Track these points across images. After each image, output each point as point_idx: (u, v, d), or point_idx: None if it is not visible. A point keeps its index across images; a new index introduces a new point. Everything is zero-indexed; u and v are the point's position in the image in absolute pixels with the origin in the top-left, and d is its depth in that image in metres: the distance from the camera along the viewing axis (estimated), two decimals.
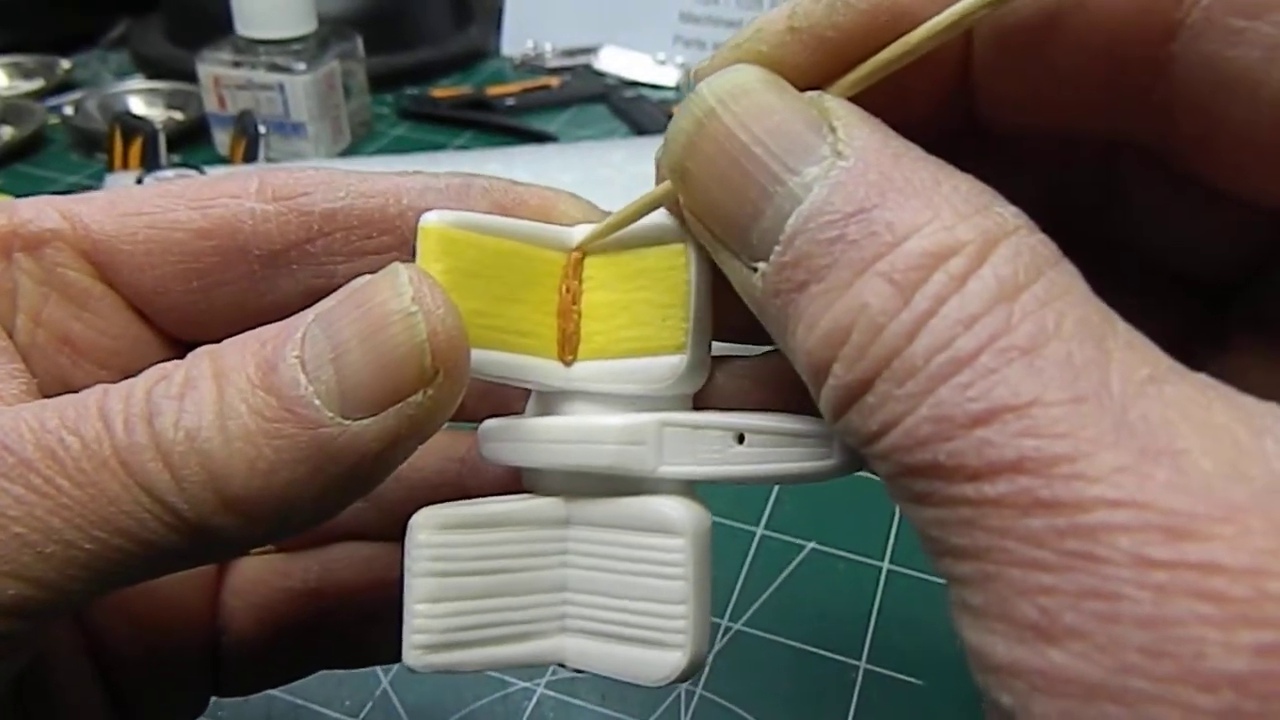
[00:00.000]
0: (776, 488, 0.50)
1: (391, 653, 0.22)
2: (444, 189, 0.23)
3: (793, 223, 0.17)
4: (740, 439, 0.22)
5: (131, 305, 0.24)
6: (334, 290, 0.20)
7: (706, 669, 0.41)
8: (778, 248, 0.17)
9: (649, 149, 0.22)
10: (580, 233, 0.23)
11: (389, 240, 0.23)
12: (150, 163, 0.73)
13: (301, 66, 0.77)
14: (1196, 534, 0.13)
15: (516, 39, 1.01)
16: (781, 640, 0.43)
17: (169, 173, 0.72)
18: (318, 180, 0.23)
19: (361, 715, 0.40)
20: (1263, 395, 0.14)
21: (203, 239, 0.23)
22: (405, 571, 0.22)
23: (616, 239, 0.22)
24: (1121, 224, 0.22)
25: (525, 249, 0.22)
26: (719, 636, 0.43)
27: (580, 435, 0.22)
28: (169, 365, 0.19)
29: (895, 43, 0.18)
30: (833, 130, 0.17)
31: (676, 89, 0.94)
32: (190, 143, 0.82)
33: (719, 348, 0.23)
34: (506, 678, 0.41)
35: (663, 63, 0.97)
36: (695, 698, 0.40)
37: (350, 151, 0.83)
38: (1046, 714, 0.14)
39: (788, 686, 0.41)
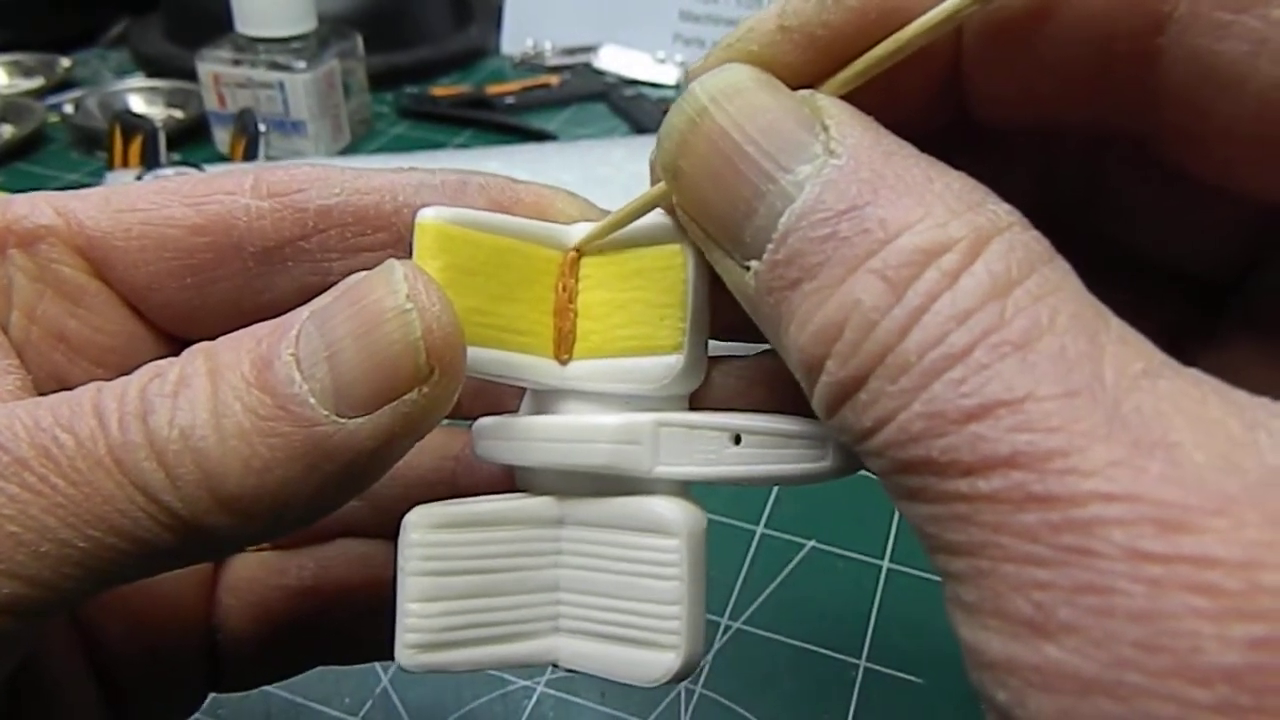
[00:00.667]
0: (777, 486, 0.50)
1: (387, 650, 0.22)
2: (440, 186, 0.23)
3: (785, 221, 0.17)
4: (736, 440, 0.22)
5: (126, 302, 0.24)
6: (329, 287, 0.20)
7: (706, 667, 0.41)
8: (770, 246, 0.17)
9: (649, 147, 0.21)
10: (578, 231, 0.23)
11: (384, 237, 0.23)
12: (150, 161, 0.73)
13: (301, 65, 0.77)
14: (1190, 527, 0.13)
15: (516, 37, 1.01)
16: (782, 639, 0.43)
17: (169, 171, 0.72)
18: (313, 177, 0.23)
19: (361, 713, 0.40)
20: (1256, 390, 0.14)
21: (197, 235, 0.23)
22: (398, 570, 0.22)
23: (613, 238, 0.22)
24: (1112, 220, 0.22)
25: (522, 247, 0.22)
26: (719, 635, 0.43)
27: (576, 434, 0.22)
28: (164, 363, 0.19)
29: (886, 40, 0.18)
30: (825, 129, 0.17)
31: (676, 87, 0.94)
32: (190, 141, 0.83)
33: (715, 348, 0.23)
34: (506, 676, 0.41)
35: (662, 61, 0.97)
36: (695, 696, 0.40)
37: (350, 150, 0.83)
38: (1041, 710, 0.14)
39: (788, 685, 0.41)
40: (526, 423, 0.23)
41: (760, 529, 0.48)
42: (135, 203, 0.23)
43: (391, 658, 0.22)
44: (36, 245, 0.23)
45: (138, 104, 0.88)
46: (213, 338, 0.20)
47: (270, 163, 0.72)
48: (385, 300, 0.19)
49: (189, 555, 0.20)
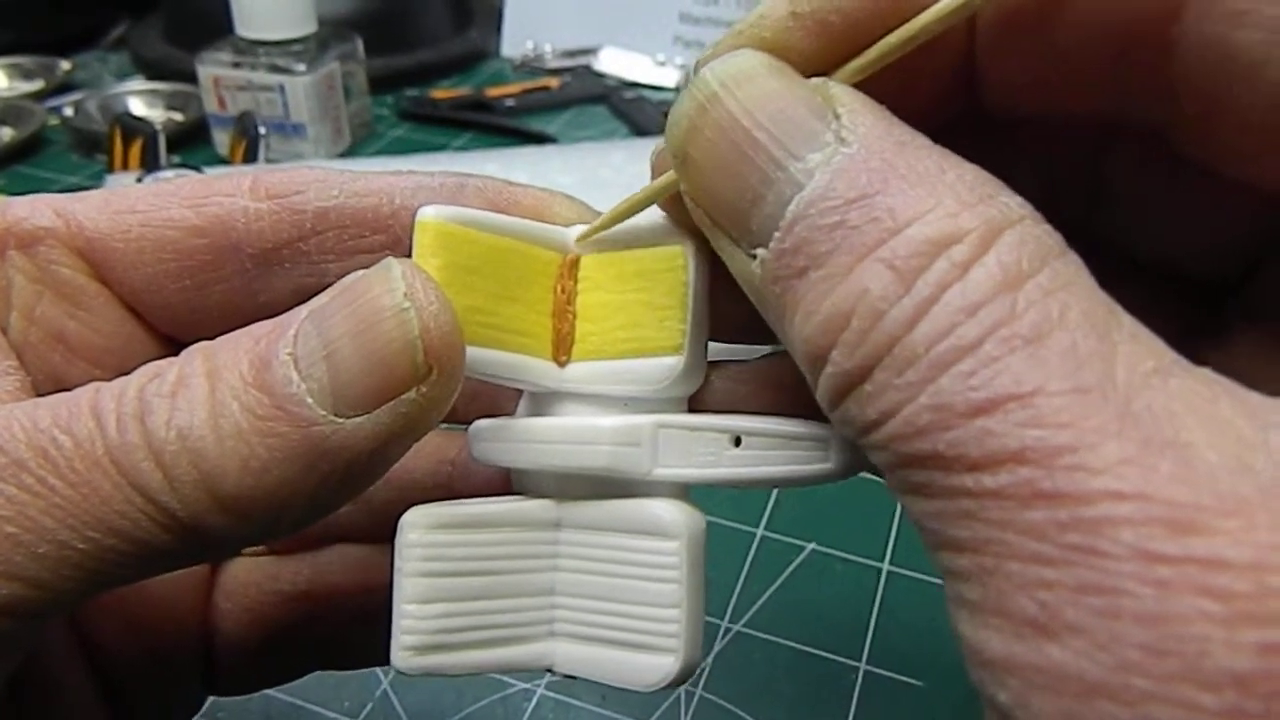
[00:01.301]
0: (777, 489, 0.49)
1: (383, 655, 0.21)
2: (438, 188, 0.23)
3: (793, 209, 0.17)
4: (736, 442, 0.22)
5: (125, 303, 0.24)
6: (326, 289, 0.20)
7: (706, 670, 0.41)
8: (777, 234, 0.17)
9: (649, 150, 0.21)
10: (576, 233, 0.23)
11: (382, 239, 0.23)
12: (150, 164, 0.73)
13: (301, 67, 0.77)
14: (1201, 528, 0.13)
15: (516, 40, 1.01)
16: (781, 641, 0.42)
17: (169, 173, 0.72)
18: (311, 179, 0.23)
19: (361, 716, 0.39)
20: (1262, 387, 0.14)
21: (196, 237, 0.23)
22: (395, 571, 0.21)
23: (613, 240, 0.22)
24: (1118, 217, 0.22)
25: (522, 247, 0.22)
26: (719, 637, 0.43)
27: (574, 436, 0.22)
28: (162, 363, 0.19)
29: (901, 28, 0.18)
30: (837, 117, 0.17)
31: (676, 90, 0.93)
32: (190, 144, 0.83)
33: (714, 351, 0.23)
34: (505, 679, 0.41)
35: (663, 64, 0.97)
36: (695, 699, 0.40)
37: (350, 153, 0.83)
38: (1044, 712, 0.14)
39: (788, 687, 0.41)
40: (524, 424, 0.22)
41: (760, 531, 0.48)
42: (134, 204, 0.23)
43: (388, 662, 0.21)
44: (36, 247, 0.23)
45: (138, 107, 0.88)
46: (211, 339, 0.20)
47: (270, 166, 0.72)
48: (383, 299, 0.19)
49: (188, 556, 0.20)
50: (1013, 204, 0.16)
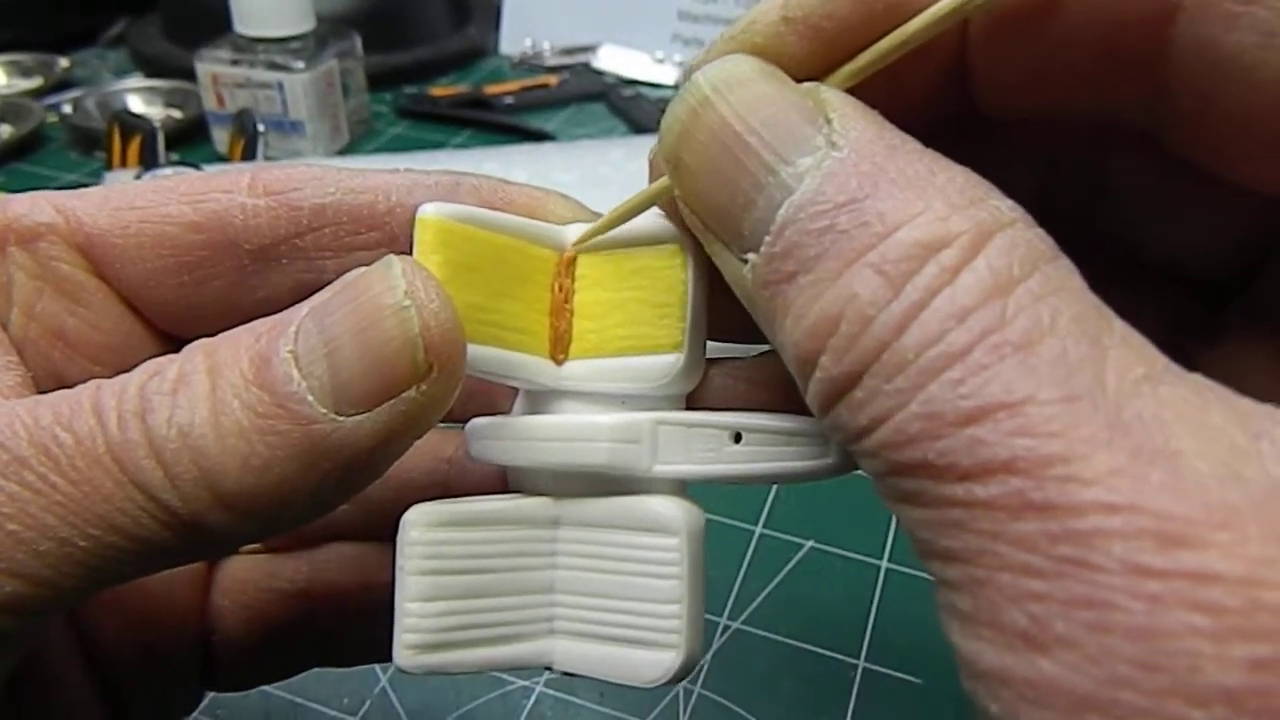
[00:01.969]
0: (775, 486, 0.49)
1: (382, 652, 0.21)
2: (433, 186, 0.23)
3: (783, 213, 0.17)
4: (736, 438, 0.22)
5: (124, 300, 0.24)
6: (323, 286, 0.20)
7: (705, 668, 0.41)
8: (768, 238, 0.17)
9: (647, 147, 0.21)
10: (575, 232, 0.23)
11: (377, 236, 0.23)
12: (149, 161, 0.73)
13: (300, 65, 0.77)
14: (1191, 540, 0.13)
15: (515, 37, 1.01)
16: (780, 639, 0.42)
17: (168, 171, 0.72)
18: (308, 176, 0.23)
19: (360, 713, 0.39)
20: (1260, 388, 0.14)
21: (194, 233, 0.23)
22: (397, 569, 0.21)
23: (611, 238, 0.22)
24: (1116, 218, 0.22)
25: (520, 245, 0.22)
26: (717, 635, 0.43)
27: (574, 433, 0.22)
28: (163, 360, 0.19)
29: (893, 33, 0.18)
30: (828, 121, 0.17)
31: (675, 87, 0.93)
32: (189, 141, 0.82)
33: (712, 350, 0.23)
34: (505, 676, 0.41)
35: (661, 61, 0.96)
36: (694, 696, 0.40)
37: (349, 150, 0.83)
38: None
39: (786, 685, 0.41)
40: (522, 422, 0.22)
41: (759, 529, 0.48)
42: (133, 201, 0.23)
43: (386, 660, 0.21)
44: (36, 243, 0.23)
45: (136, 104, 0.88)
46: (209, 335, 0.20)
47: (268, 163, 0.72)
48: (383, 297, 0.19)
49: (189, 553, 0.20)
50: (1004, 207, 0.16)
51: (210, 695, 0.30)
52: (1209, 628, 0.12)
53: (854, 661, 0.42)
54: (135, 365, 0.19)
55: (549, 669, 0.23)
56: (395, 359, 0.18)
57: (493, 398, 0.26)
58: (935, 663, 0.41)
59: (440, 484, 0.27)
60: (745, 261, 0.18)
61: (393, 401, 0.18)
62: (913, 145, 0.17)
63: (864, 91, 0.18)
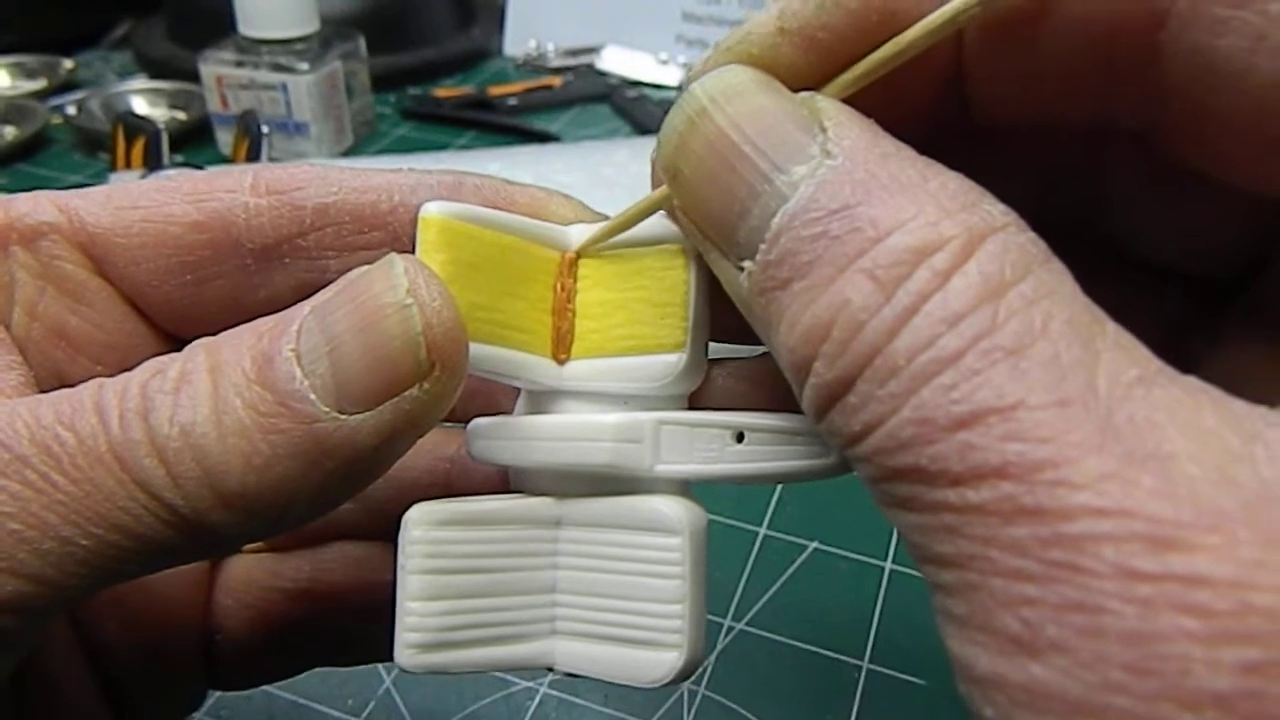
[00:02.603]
0: (779, 487, 0.49)
1: (385, 652, 0.21)
2: (436, 186, 0.23)
3: (778, 220, 0.17)
4: (739, 438, 0.22)
5: (127, 299, 0.24)
6: (326, 285, 0.20)
7: (709, 669, 0.41)
8: (763, 246, 0.17)
9: (651, 148, 0.21)
10: (577, 232, 0.23)
11: (380, 236, 0.23)
12: (153, 162, 0.73)
13: (304, 66, 0.77)
14: (1182, 544, 0.13)
15: (519, 39, 1.01)
16: (784, 640, 0.42)
17: (171, 172, 0.72)
18: (311, 175, 0.23)
19: (364, 714, 0.39)
20: (1259, 390, 0.14)
21: (197, 233, 0.23)
22: (398, 568, 0.21)
23: (614, 239, 0.22)
24: (1116, 219, 0.22)
25: (523, 245, 0.22)
26: (721, 636, 0.43)
27: (575, 433, 0.22)
28: (165, 359, 0.19)
29: (888, 43, 0.18)
30: (823, 130, 0.17)
31: (679, 89, 0.93)
32: (193, 142, 0.83)
33: (714, 350, 0.23)
34: (509, 677, 0.41)
35: (665, 62, 0.97)
36: (698, 697, 0.40)
37: (353, 151, 0.83)
38: None
39: (790, 686, 0.41)
40: (524, 422, 0.22)
41: (763, 530, 0.48)
42: (136, 200, 0.23)
43: (388, 659, 0.21)
44: (39, 242, 0.23)
45: (140, 106, 0.88)
46: (212, 335, 0.20)
47: (271, 163, 0.72)
48: (385, 295, 0.19)
49: (191, 552, 0.20)
50: (996, 212, 0.16)
51: (214, 695, 0.30)
52: (1200, 631, 0.12)
53: (858, 662, 0.41)
54: (137, 364, 0.19)
55: (551, 669, 0.23)
56: (397, 358, 0.18)
57: (495, 397, 0.26)
58: (939, 664, 0.41)
59: (442, 483, 0.27)
60: (741, 269, 0.18)
61: (395, 400, 0.18)
62: (907, 152, 0.17)
63: (860, 101, 0.18)
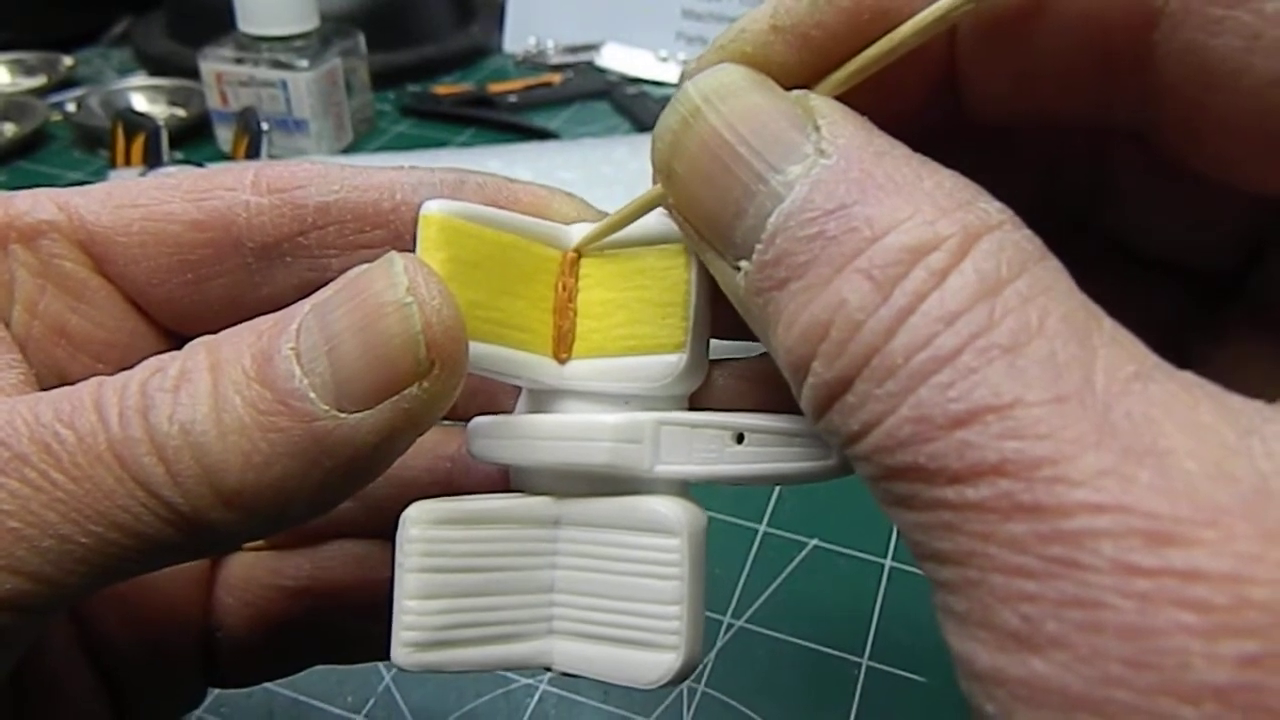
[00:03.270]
0: (779, 485, 0.49)
1: (384, 650, 0.21)
2: (438, 184, 0.23)
3: (774, 220, 0.17)
4: (739, 439, 0.22)
5: (127, 297, 0.24)
6: (327, 284, 0.20)
7: (709, 666, 0.41)
8: (759, 246, 0.17)
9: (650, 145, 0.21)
10: (578, 231, 0.23)
11: (382, 234, 0.23)
12: (153, 159, 0.73)
13: (304, 63, 0.77)
14: (1180, 539, 0.13)
15: (518, 36, 1.01)
16: (784, 637, 0.42)
17: (171, 169, 0.72)
18: (312, 174, 0.23)
19: (364, 712, 0.39)
20: (1259, 383, 0.14)
21: (197, 231, 0.23)
22: (396, 566, 0.21)
23: (614, 238, 0.22)
24: (1113, 216, 0.22)
25: (524, 243, 0.22)
26: (721, 633, 0.43)
27: (575, 432, 0.22)
28: (165, 357, 0.19)
29: (881, 40, 0.18)
30: (817, 129, 0.17)
31: (678, 86, 0.93)
32: (193, 139, 0.83)
33: (715, 349, 0.23)
34: (508, 675, 0.41)
35: (665, 59, 0.97)
36: (698, 695, 0.40)
37: (352, 148, 0.83)
38: None
39: (790, 683, 0.41)
40: (524, 421, 0.22)
41: (762, 527, 0.48)
42: (136, 198, 0.23)
43: (388, 657, 0.21)
44: (38, 240, 0.23)
45: (140, 102, 0.88)
46: (213, 333, 0.19)
47: (272, 160, 0.72)
48: (385, 294, 0.19)
49: (191, 550, 0.20)
50: (991, 209, 0.16)
51: (214, 692, 0.30)
52: (1198, 625, 0.12)
53: (858, 660, 0.42)
54: (138, 363, 0.19)
55: (549, 669, 0.23)
56: (397, 356, 0.18)
57: (495, 396, 0.26)
58: (939, 661, 0.41)
59: (443, 482, 0.27)
60: (738, 269, 0.18)
61: (394, 398, 0.18)
62: (901, 150, 0.17)
63: (855, 100, 0.18)
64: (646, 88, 0.93)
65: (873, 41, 0.18)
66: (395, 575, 0.21)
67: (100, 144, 0.80)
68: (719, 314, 0.22)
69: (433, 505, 0.22)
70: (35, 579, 0.18)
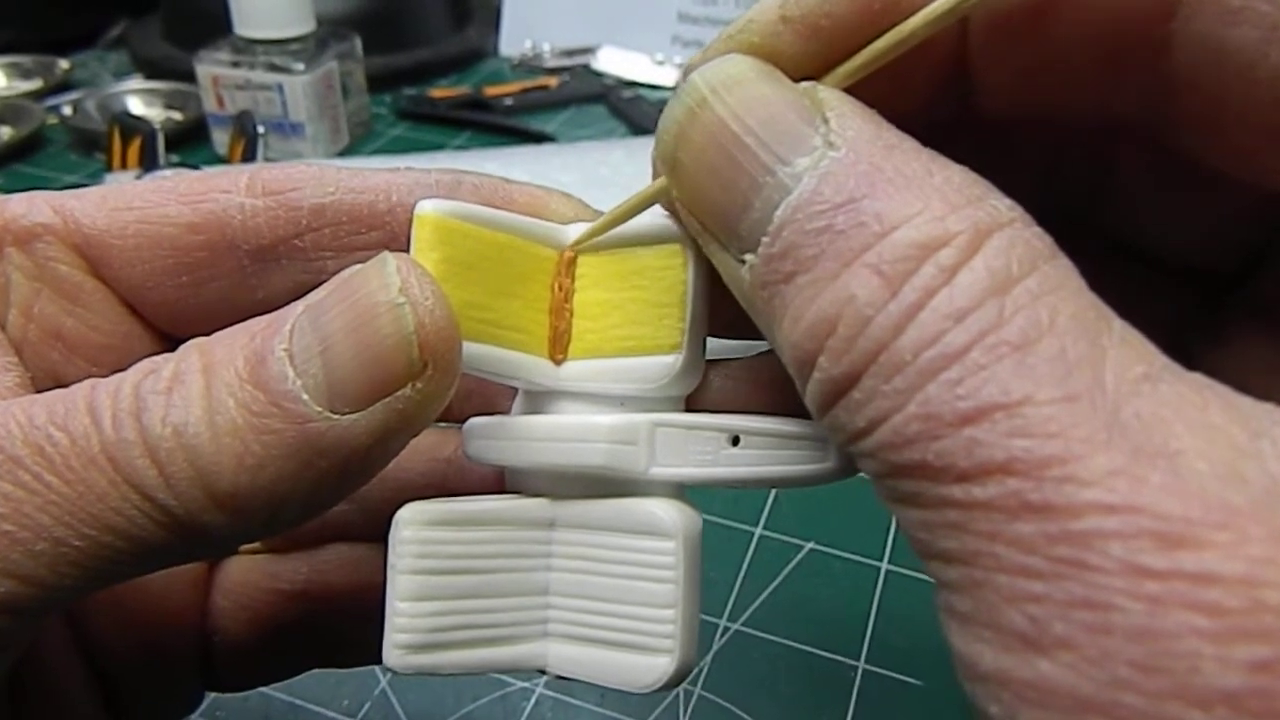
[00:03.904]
0: (775, 488, 0.49)
1: (381, 654, 0.21)
2: (434, 185, 0.23)
3: (781, 214, 0.17)
4: (735, 441, 0.21)
5: (123, 300, 0.24)
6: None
7: (705, 669, 0.41)
8: (765, 239, 0.17)
9: (647, 149, 0.21)
10: (575, 231, 0.23)
11: (378, 236, 0.23)
12: (149, 163, 0.73)
13: (300, 66, 0.77)
14: (1191, 541, 0.13)
15: (514, 39, 1.01)
16: (780, 640, 0.42)
17: (168, 173, 0.72)
18: (307, 176, 0.23)
19: (360, 715, 0.39)
20: (1259, 386, 0.14)
21: (193, 234, 0.23)
22: (388, 568, 0.21)
23: (611, 238, 0.22)
24: (1114, 216, 0.22)
25: (520, 243, 0.22)
26: (717, 636, 0.43)
27: (570, 434, 0.22)
28: (158, 359, 0.19)
29: (890, 31, 0.18)
30: (825, 121, 0.17)
31: (675, 89, 0.93)
32: (189, 143, 0.82)
33: (712, 349, 0.23)
34: (505, 678, 0.41)
35: (661, 63, 0.97)
36: (694, 698, 0.40)
37: (349, 151, 0.83)
38: None
39: (786, 686, 0.41)
40: (519, 422, 0.22)
41: (759, 530, 0.48)
42: (131, 201, 0.23)
43: (381, 661, 0.21)
44: (34, 244, 0.23)
45: (136, 106, 0.88)
46: (207, 335, 0.19)
47: (267, 163, 0.72)
48: (378, 294, 0.18)
49: (185, 553, 0.20)
50: (1001, 206, 0.16)
51: (210, 696, 0.29)
52: (1209, 629, 0.12)
53: (854, 663, 0.41)
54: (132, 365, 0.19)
55: (543, 672, 0.22)
56: (390, 356, 0.18)
57: (492, 398, 0.26)
58: (935, 664, 0.41)
59: (439, 484, 0.27)
60: (743, 262, 0.18)
61: (388, 399, 0.18)
62: (910, 144, 0.17)
63: (863, 93, 0.18)
64: (642, 91, 0.93)
65: (883, 33, 0.18)
66: (387, 576, 0.21)
67: (96, 147, 0.79)
68: (719, 310, 0.22)
69: (426, 506, 0.21)
70: (29, 582, 0.18)
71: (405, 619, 0.21)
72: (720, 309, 0.21)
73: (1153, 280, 0.22)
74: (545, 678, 0.40)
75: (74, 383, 0.19)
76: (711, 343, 0.23)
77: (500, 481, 0.24)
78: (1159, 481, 0.13)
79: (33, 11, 0.99)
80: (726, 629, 0.43)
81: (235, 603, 0.28)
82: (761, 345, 0.23)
